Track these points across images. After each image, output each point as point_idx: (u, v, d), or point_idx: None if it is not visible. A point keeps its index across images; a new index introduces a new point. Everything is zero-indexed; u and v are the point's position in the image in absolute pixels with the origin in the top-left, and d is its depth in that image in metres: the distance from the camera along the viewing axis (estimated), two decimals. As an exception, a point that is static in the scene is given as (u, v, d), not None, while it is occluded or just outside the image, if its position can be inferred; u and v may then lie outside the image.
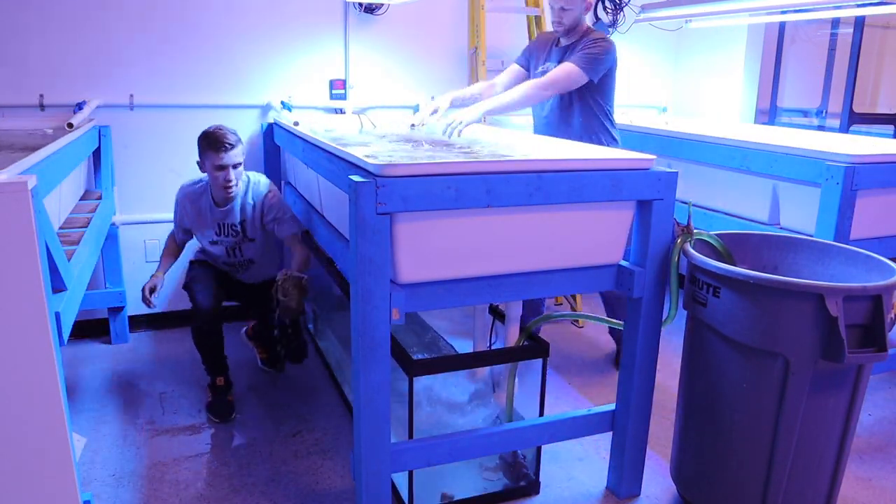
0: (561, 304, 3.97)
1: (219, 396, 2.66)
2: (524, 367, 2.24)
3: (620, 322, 2.15)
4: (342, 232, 2.26)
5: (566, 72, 2.66)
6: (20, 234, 1.36)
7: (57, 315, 1.53)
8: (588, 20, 2.95)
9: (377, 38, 3.62)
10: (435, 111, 2.76)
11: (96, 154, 3.09)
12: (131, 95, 3.22)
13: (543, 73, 2.79)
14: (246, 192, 2.69)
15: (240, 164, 2.60)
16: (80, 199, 2.89)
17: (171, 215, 2.86)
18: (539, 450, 2.20)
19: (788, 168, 2.50)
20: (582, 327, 3.67)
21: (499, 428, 2.05)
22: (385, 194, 1.63)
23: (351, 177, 1.66)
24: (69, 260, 1.91)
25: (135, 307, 3.41)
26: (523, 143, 2.67)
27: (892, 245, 2.49)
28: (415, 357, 1.98)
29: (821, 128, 4.57)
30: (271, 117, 3.46)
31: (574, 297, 3.85)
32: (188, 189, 2.76)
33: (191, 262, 2.88)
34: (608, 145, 2.81)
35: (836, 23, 4.52)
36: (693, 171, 3.00)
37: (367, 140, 2.81)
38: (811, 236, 2.32)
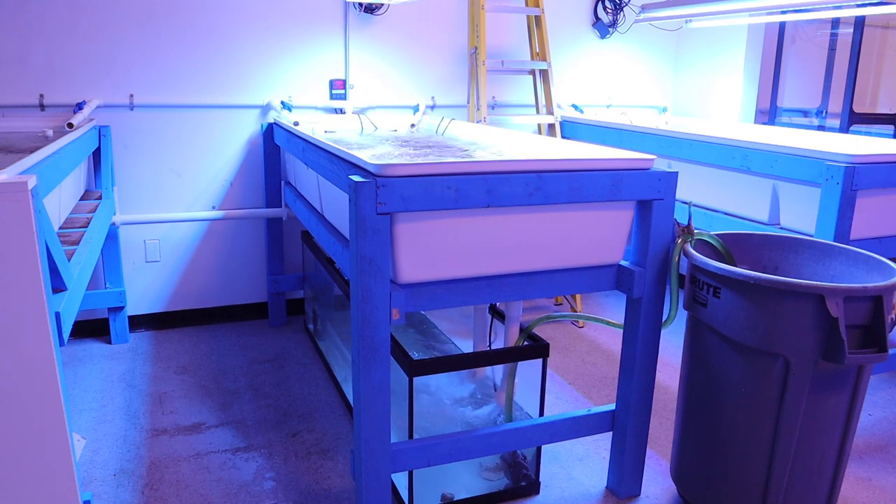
0: (561, 304, 3.97)
1: None
2: (524, 367, 2.24)
3: (620, 323, 2.15)
4: (342, 232, 2.26)
5: None
6: (20, 234, 1.36)
7: (57, 315, 1.53)
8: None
9: (377, 39, 3.62)
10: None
11: (96, 154, 3.09)
12: (131, 95, 3.22)
13: None
14: None
15: None
16: (80, 199, 2.89)
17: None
18: (539, 450, 2.20)
19: (788, 168, 2.50)
20: (582, 327, 3.67)
21: (499, 428, 2.04)
22: (385, 194, 1.63)
23: (351, 177, 1.66)
24: (69, 260, 1.91)
25: (135, 307, 3.43)
26: (523, 143, 2.67)
27: (892, 245, 2.49)
28: (415, 357, 1.98)
29: (821, 128, 4.57)
30: (271, 117, 3.46)
31: (574, 296, 3.85)
32: None
33: None
34: None
35: (836, 23, 4.51)
36: (693, 171, 3.00)
37: (367, 141, 2.81)
38: (811, 236, 2.32)
